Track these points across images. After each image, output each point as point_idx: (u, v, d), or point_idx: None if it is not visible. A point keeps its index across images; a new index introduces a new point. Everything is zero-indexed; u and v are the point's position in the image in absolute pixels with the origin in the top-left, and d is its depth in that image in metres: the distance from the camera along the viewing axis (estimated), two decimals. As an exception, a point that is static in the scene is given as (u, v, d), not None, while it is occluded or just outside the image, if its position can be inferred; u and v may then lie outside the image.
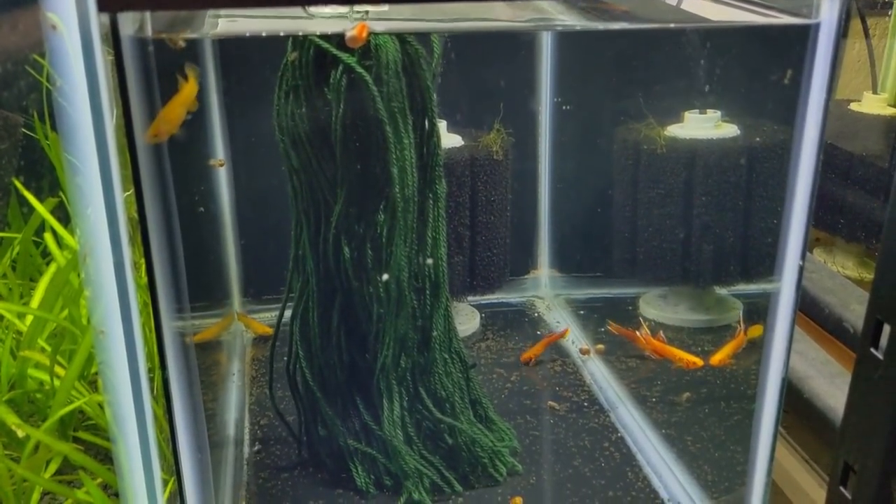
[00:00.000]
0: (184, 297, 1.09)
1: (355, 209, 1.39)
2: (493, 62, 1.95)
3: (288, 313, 1.51)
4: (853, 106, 2.26)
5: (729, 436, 1.60)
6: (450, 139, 1.89)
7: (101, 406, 1.49)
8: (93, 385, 1.57)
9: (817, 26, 1.01)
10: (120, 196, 0.92)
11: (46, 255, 1.80)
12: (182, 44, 0.98)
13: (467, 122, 1.95)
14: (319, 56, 1.32)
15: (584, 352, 1.92)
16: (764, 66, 1.54)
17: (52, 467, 1.47)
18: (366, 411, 1.48)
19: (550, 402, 1.74)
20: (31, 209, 1.74)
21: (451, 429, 1.48)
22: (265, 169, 1.70)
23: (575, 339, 1.99)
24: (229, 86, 1.82)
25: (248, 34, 1.26)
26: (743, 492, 1.33)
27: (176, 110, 1.03)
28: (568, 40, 2.02)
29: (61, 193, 1.77)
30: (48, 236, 1.74)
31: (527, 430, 1.64)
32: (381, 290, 1.41)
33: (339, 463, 1.50)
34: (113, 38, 0.85)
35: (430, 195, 1.43)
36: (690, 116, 1.92)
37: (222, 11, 1.23)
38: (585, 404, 1.73)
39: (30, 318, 1.59)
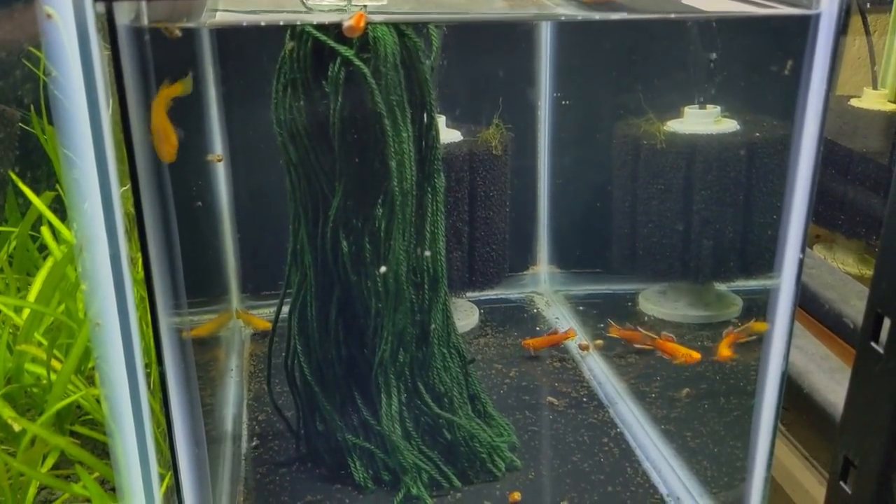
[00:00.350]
0: (181, 292, 1.09)
1: (353, 203, 1.38)
2: (492, 58, 1.95)
3: (286, 308, 1.50)
4: (853, 102, 2.25)
5: (728, 431, 1.60)
6: (449, 134, 1.89)
7: (98, 400, 1.49)
8: (90, 380, 1.56)
9: (817, 17, 1.00)
10: (116, 189, 0.91)
11: (44, 249, 1.79)
12: (178, 33, 0.98)
13: (466, 118, 1.94)
14: (317, 49, 1.31)
15: (583, 347, 1.92)
16: (764, 59, 1.54)
17: (50, 462, 1.46)
18: (364, 406, 1.47)
19: (549, 398, 1.73)
20: (29, 203, 1.73)
21: (450, 424, 1.48)
22: (264, 163, 1.70)
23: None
24: (227, 78, 1.81)
25: (244, 24, 1.25)
26: (742, 488, 1.32)
27: (158, 117, 1.01)
28: (567, 35, 2.01)
29: (58, 187, 1.77)
30: (45, 230, 1.73)
31: (526, 426, 1.64)
32: (379, 285, 1.40)
33: (337, 458, 1.50)
34: (109, 27, 0.84)
35: (429, 189, 1.43)
36: (690, 111, 1.91)
37: (220, 4, 1.22)
38: (584, 400, 1.73)
39: (27, 312, 1.59)
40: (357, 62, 1.29)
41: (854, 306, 1.79)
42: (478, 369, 1.72)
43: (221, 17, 1.20)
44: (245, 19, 1.19)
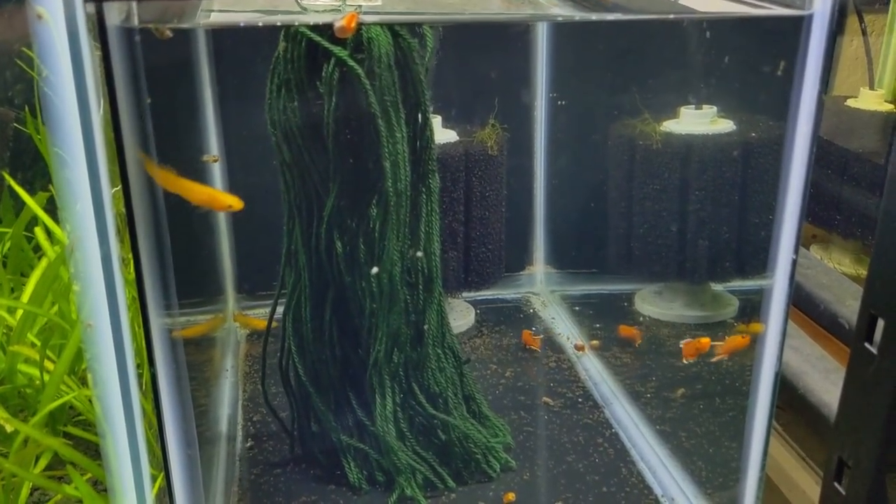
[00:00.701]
0: (172, 293, 1.09)
1: (348, 203, 1.38)
2: (488, 58, 1.94)
3: (281, 309, 1.50)
4: (850, 102, 2.25)
5: (723, 432, 1.60)
6: (444, 135, 1.89)
7: (91, 401, 1.48)
8: (83, 381, 1.56)
9: (810, 17, 1.00)
10: (107, 189, 0.91)
11: (38, 249, 1.79)
12: (168, 34, 0.97)
13: (462, 118, 1.94)
14: (311, 49, 1.31)
15: (578, 348, 1.91)
16: (759, 60, 1.54)
17: (43, 462, 1.46)
18: (358, 407, 1.47)
19: (545, 398, 1.73)
20: (23, 203, 1.73)
21: (445, 424, 1.47)
22: (258, 163, 1.69)
23: (570, 335, 1.98)
24: (222, 79, 1.80)
25: (242, 24, 1.25)
26: (737, 488, 1.32)
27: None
28: (563, 36, 2.01)
29: (51, 187, 1.76)
30: (39, 231, 1.73)
31: (521, 426, 1.63)
32: (373, 285, 1.40)
33: (331, 458, 1.50)
34: (99, 27, 0.84)
35: (424, 189, 1.42)
36: (686, 112, 1.91)
37: (216, 5, 1.22)
38: (580, 400, 1.73)
39: (20, 313, 1.59)
40: (351, 63, 1.29)
41: (850, 307, 1.78)
42: (473, 370, 1.71)
43: (216, 18, 1.20)
44: (240, 20, 1.19)
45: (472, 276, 1.97)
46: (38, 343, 1.56)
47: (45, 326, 1.64)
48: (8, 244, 1.80)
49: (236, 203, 1.24)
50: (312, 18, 1.22)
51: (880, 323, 1.08)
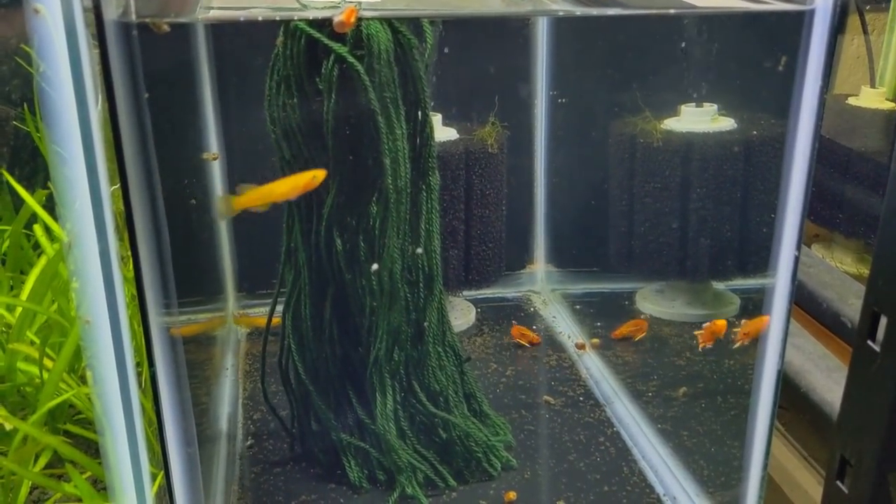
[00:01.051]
0: (171, 291, 1.08)
1: (348, 201, 1.38)
2: (488, 55, 1.94)
3: (280, 307, 1.50)
4: (851, 100, 2.24)
5: (725, 430, 1.59)
6: (445, 132, 1.88)
7: (90, 399, 1.48)
8: (83, 379, 1.55)
9: (812, 13, 0.99)
10: (106, 186, 0.91)
11: (38, 247, 1.78)
12: (166, 28, 0.97)
13: (462, 116, 1.93)
14: (311, 46, 1.30)
15: (579, 346, 1.91)
16: (761, 57, 1.53)
17: (42, 461, 1.46)
18: (359, 405, 1.46)
19: (546, 397, 1.72)
20: (22, 201, 1.73)
21: (445, 423, 1.47)
22: (258, 160, 1.69)
23: (571, 334, 1.98)
24: (222, 75, 1.80)
25: (241, 19, 1.24)
26: (739, 487, 1.31)
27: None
28: (564, 33, 2.01)
29: (50, 185, 1.76)
30: (38, 228, 1.73)
31: (522, 425, 1.63)
32: (374, 283, 1.40)
33: (332, 457, 1.49)
34: (96, 22, 0.84)
35: (424, 186, 1.42)
36: (687, 110, 1.90)
37: (215, 2, 1.22)
38: (581, 399, 1.72)
39: (19, 311, 1.58)
40: (351, 59, 1.28)
41: (852, 305, 1.78)
42: (474, 368, 1.71)
43: (215, 14, 1.20)
44: (239, 15, 1.18)
45: (472, 274, 1.97)
46: (38, 341, 1.55)
47: (45, 324, 1.64)
48: (7, 242, 1.80)
49: (319, 173, 1.27)
50: (312, 14, 1.21)
51: (883, 320, 1.07)
